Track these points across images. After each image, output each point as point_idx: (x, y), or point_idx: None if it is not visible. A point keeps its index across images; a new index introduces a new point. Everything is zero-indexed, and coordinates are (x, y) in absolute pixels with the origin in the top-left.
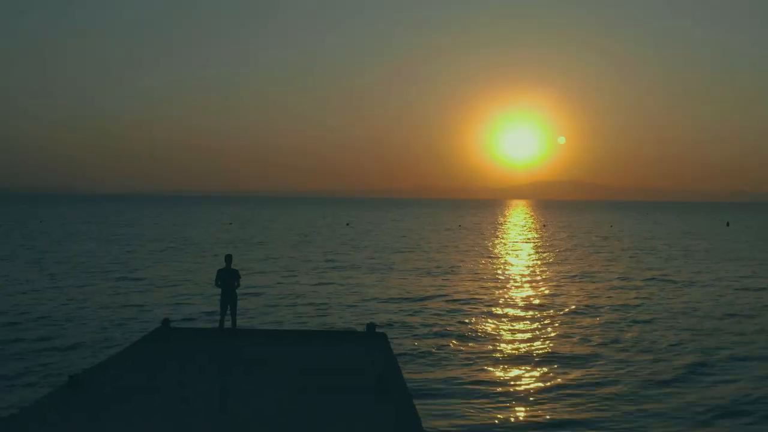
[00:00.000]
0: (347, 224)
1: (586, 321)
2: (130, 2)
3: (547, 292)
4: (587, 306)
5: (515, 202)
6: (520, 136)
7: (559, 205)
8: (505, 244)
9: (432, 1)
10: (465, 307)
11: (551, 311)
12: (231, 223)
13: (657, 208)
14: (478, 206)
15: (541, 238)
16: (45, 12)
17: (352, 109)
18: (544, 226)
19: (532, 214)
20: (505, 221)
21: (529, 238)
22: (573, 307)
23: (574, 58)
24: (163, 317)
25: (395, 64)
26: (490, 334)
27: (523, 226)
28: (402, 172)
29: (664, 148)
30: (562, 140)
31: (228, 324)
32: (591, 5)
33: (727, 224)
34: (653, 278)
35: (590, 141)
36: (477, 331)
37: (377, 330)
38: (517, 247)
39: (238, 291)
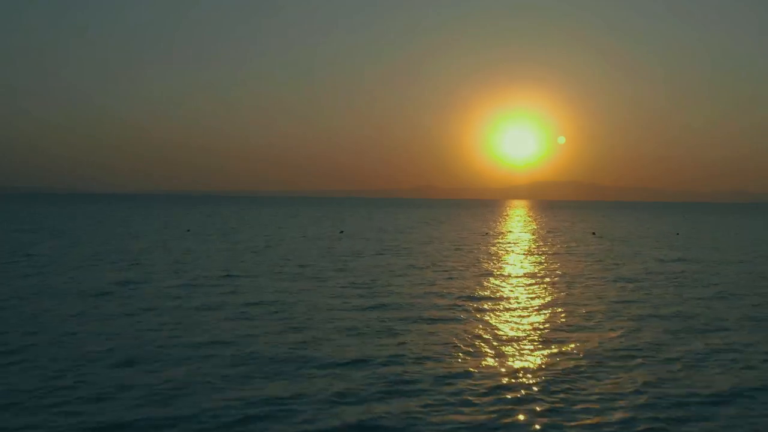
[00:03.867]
0: (341, 232)
1: None
2: (130, 2)
3: None
4: None
5: (516, 202)
6: (519, 136)
7: (563, 205)
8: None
9: (432, 1)
10: None
11: None
12: (189, 230)
13: (664, 209)
14: (481, 207)
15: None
16: (45, 12)
17: (352, 109)
18: (593, 233)
19: (554, 216)
20: (541, 227)
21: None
22: None
23: (574, 58)
24: None
25: (395, 64)
26: None
27: (587, 237)
28: (401, 172)
29: (664, 148)
30: (562, 140)
31: None
32: (591, 5)
33: None
34: None
35: (590, 141)
36: None
37: None
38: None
39: None
